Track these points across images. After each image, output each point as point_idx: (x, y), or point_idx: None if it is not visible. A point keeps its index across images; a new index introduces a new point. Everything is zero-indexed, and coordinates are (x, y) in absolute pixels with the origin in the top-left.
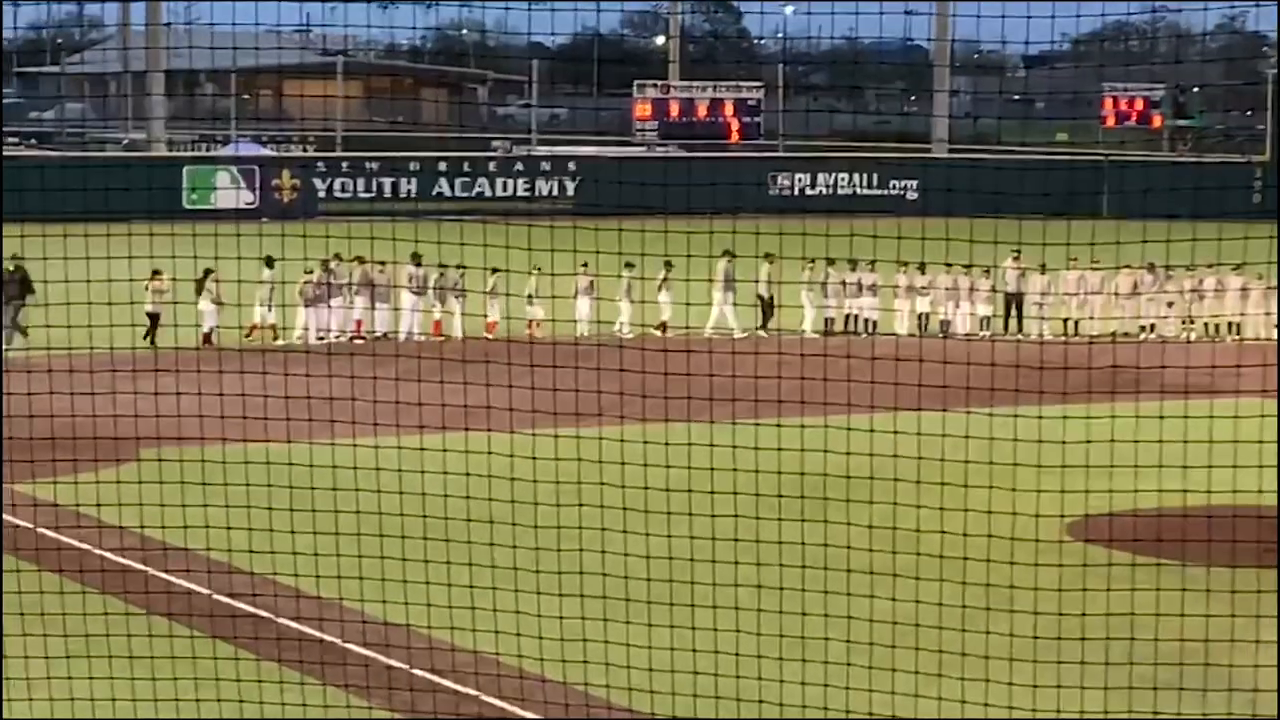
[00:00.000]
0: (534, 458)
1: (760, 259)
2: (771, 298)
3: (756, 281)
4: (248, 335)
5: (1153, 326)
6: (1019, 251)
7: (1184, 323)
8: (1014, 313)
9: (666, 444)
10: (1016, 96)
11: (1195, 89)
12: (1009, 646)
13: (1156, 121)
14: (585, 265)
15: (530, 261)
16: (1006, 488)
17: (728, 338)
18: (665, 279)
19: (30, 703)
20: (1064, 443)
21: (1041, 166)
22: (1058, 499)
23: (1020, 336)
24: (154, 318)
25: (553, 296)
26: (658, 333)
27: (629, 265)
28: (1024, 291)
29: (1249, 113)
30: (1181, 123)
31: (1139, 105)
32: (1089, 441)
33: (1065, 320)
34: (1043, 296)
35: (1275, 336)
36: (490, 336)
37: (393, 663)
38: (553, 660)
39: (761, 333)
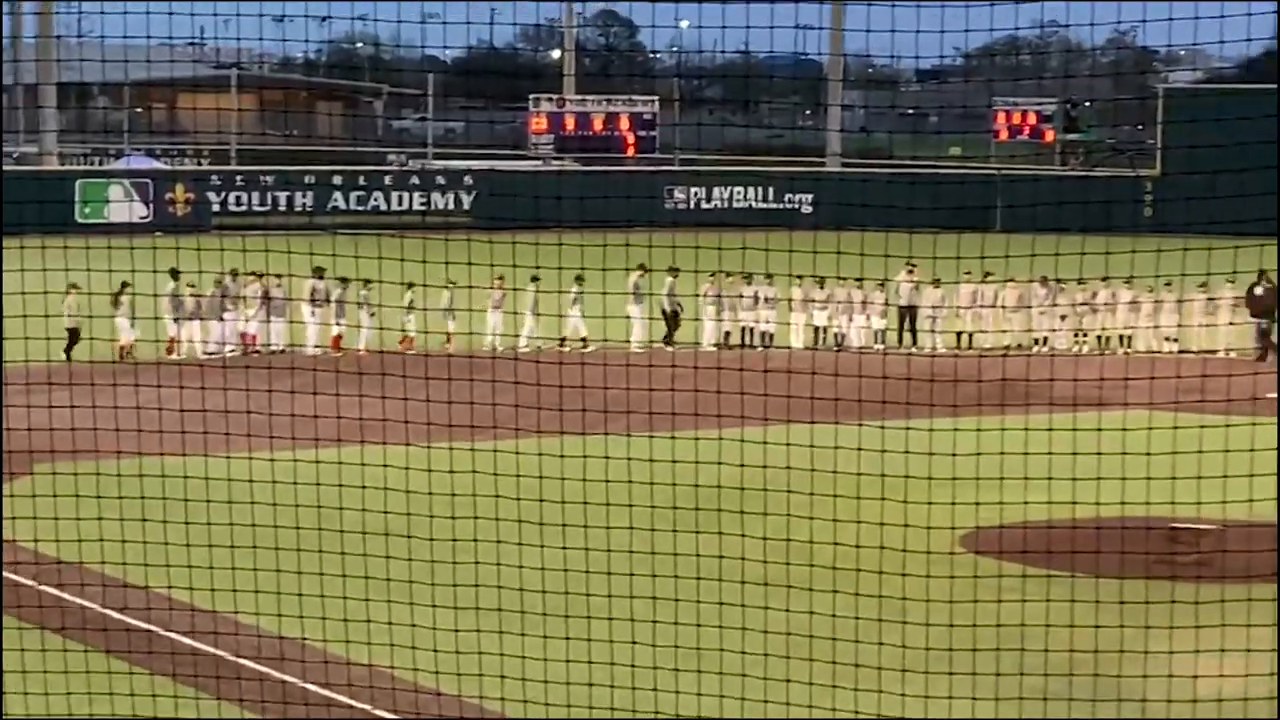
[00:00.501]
0: (429, 470)
1: (665, 273)
2: (675, 311)
3: (662, 295)
4: (169, 351)
5: (1045, 339)
6: (913, 265)
7: (1076, 336)
8: (908, 326)
9: (562, 456)
10: (910, 110)
11: (1086, 103)
12: (901, 657)
13: (1048, 136)
14: (501, 279)
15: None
16: (899, 500)
17: (645, 350)
18: (579, 293)
19: None
20: (955, 455)
21: (935, 180)
22: (949, 511)
23: (914, 350)
24: (73, 333)
25: (469, 310)
26: (578, 347)
27: (534, 279)
28: (918, 305)
29: (1139, 127)
30: (1073, 137)
31: (1031, 119)
32: (980, 454)
33: (958, 333)
34: (936, 310)
35: (1164, 349)
36: (409, 351)
37: (287, 678)
38: (448, 673)
39: (667, 347)
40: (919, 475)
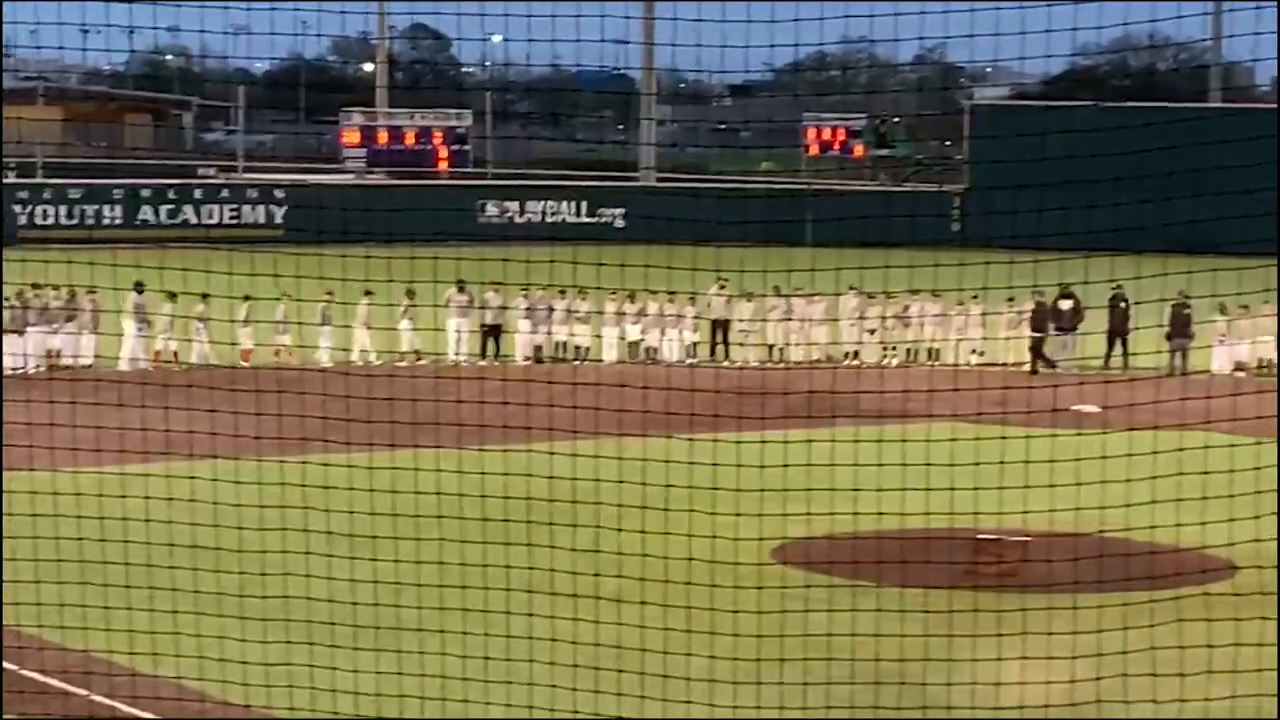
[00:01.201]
0: (238, 483)
1: (485, 287)
2: (498, 325)
3: (482, 309)
4: None
5: (855, 353)
6: (724, 279)
7: (885, 349)
8: (720, 339)
9: (371, 469)
10: (722, 125)
11: (895, 119)
12: (710, 668)
13: (858, 151)
14: (330, 293)
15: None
16: (709, 512)
17: (466, 364)
18: (409, 306)
19: None
20: (764, 467)
21: (746, 195)
22: (759, 523)
23: (727, 363)
24: None
25: (298, 323)
26: (413, 360)
27: (368, 293)
28: (730, 318)
29: (947, 143)
30: (882, 152)
31: (841, 135)
32: (788, 466)
33: (770, 346)
34: (748, 323)
35: (971, 362)
36: (246, 364)
37: (96, 697)
38: (257, 686)
39: (493, 361)
40: (728, 488)
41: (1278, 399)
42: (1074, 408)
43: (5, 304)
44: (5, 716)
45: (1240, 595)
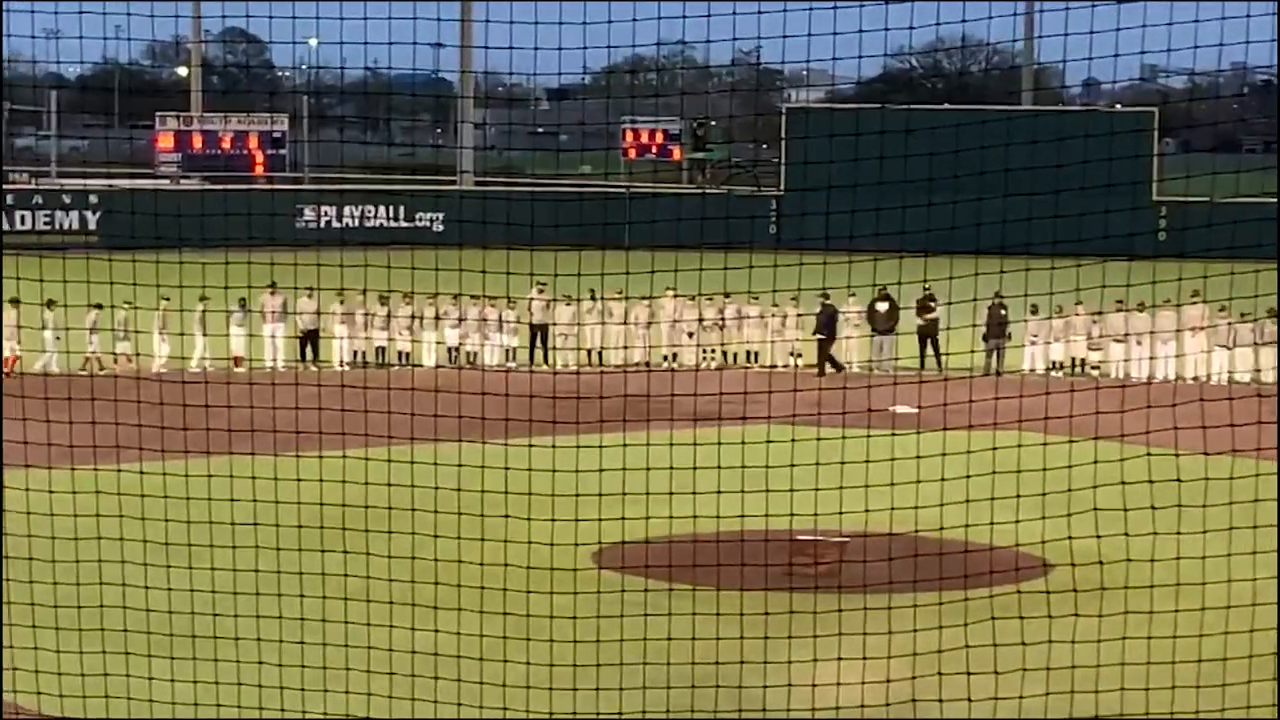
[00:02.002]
0: (50, 492)
1: (301, 292)
2: (315, 330)
3: (298, 314)
4: None
5: (675, 355)
6: (544, 283)
7: (704, 352)
8: (540, 344)
9: (186, 477)
10: (540, 129)
11: (713, 122)
12: (526, 675)
13: (676, 154)
14: (167, 299)
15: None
16: (525, 518)
17: (285, 370)
18: (244, 312)
19: None
20: (579, 472)
21: (566, 198)
22: (580, 527)
23: (546, 367)
24: None
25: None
26: (231, 366)
27: (203, 299)
28: (549, 322)
29: (764, 146)
30: (699, 155)
31: (659, 138)
32: (603, 470)
33: (589, 350)
34: (569, 327)
35: (791, 364)
36: (100, 372)
37: None
38: (73, 697)
39: (312, 366)
40: (546, 493)
41: (1277, 411)
42: (891, 408)
43: None
44: None
45: (1053, 593)
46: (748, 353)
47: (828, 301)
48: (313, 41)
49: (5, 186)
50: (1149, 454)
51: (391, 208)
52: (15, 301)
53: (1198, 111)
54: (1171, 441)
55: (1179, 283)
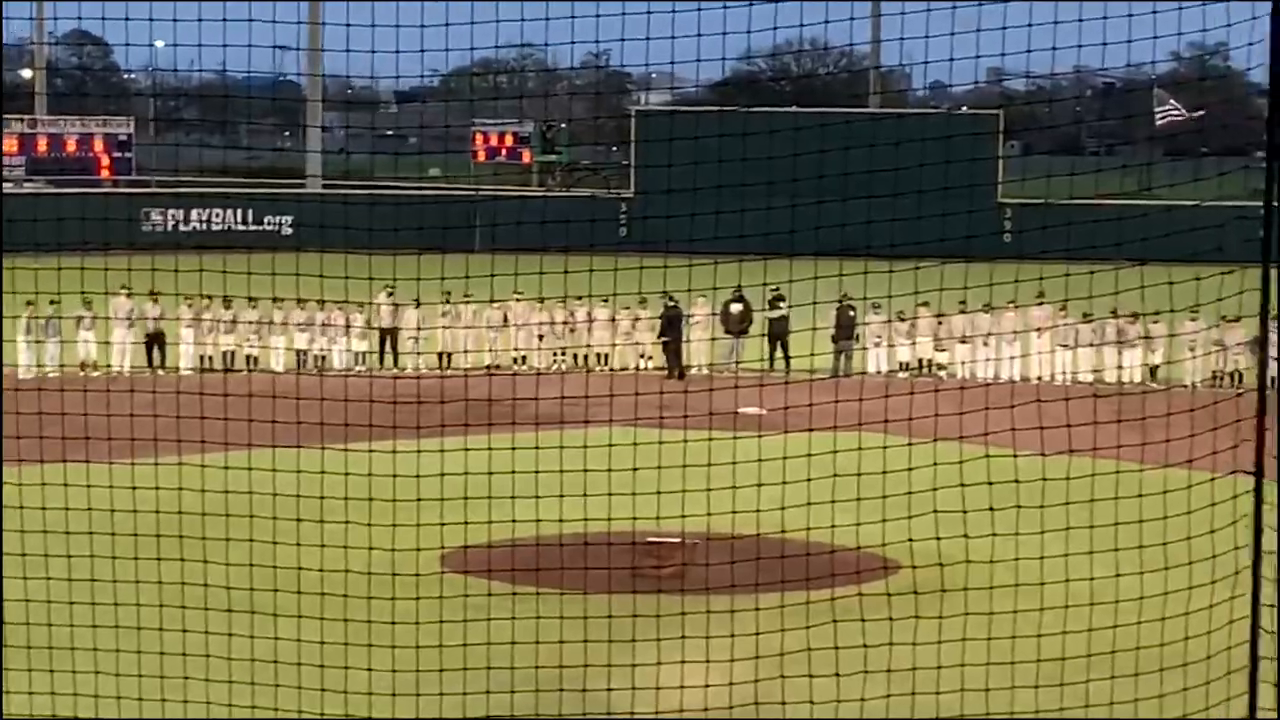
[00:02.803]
0: None
1: (146, 297)
2: (160, 334)
3: (144, 319)
4: None
5: (525, 358)
6: (393, 287)
7: (554, 354)
8: (390, 347)
9: (20, 485)
10: (389, 132)
11: (562, 125)
12: (368, 681)
13: (526, 157)
14: (31, 303)
15: None
16: (372, 524)
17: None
18: (91, 318)
19: None
20: (420, 476)
21: (415, 201)
22: (434, 532)
23: (396, 370)
24: None
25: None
26: (106, 370)
27: (53, 302)
28: (399, 326)
29: (614, 148)
30: (549, 158)
31: (509, 141)
32: (446, 474)
33: (439, 354)
34: (418, 331)
35: (642, 366)
36: None
37: None
38: None
39: (159, 371)
40: (404, 497)
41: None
42: (740, 410)
43: None
44: None
45: (894, 595)
46: (598, 355)
47: (672, 304)
48: (160, 43)
49: None
50: (988, 455)
51: (239, 211)
52: None
53: (1040, 114)
54: (1010, 442)
55: (1019, 284)
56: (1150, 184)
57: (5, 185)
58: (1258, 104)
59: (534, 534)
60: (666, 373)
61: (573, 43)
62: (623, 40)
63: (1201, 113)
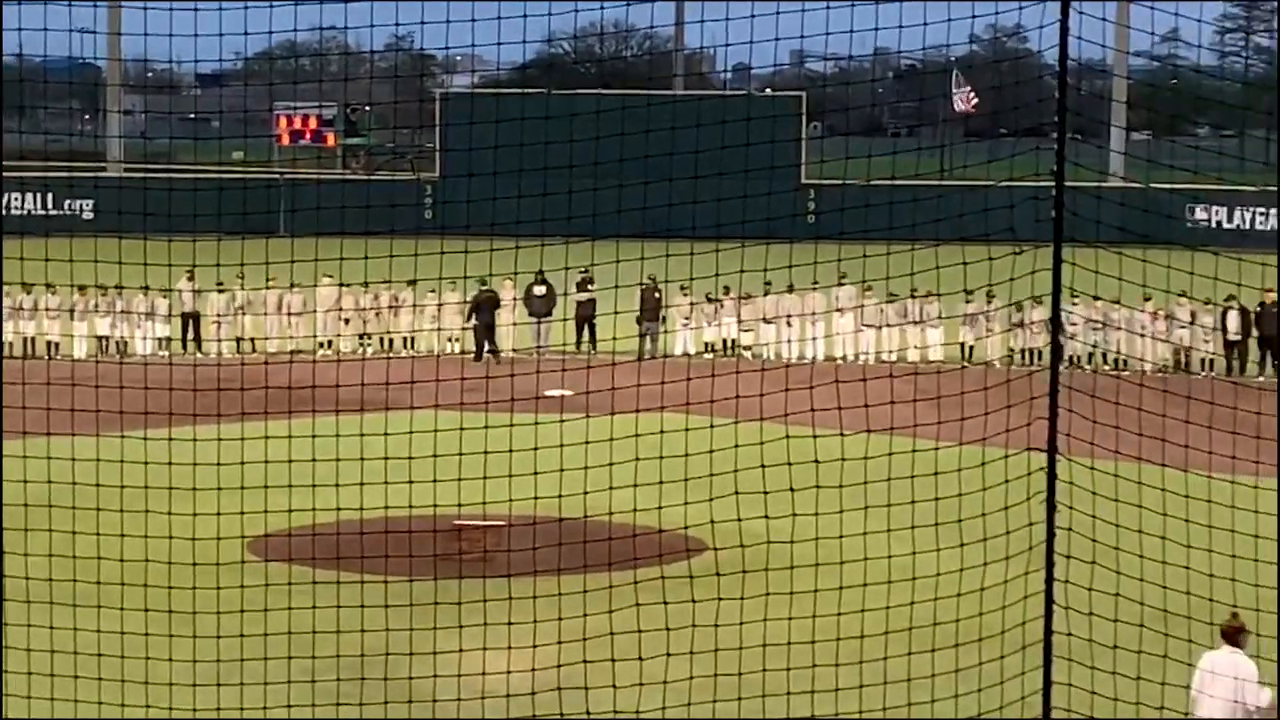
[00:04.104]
0: None
1: None
2: None
3: None
4: None
5: (331, 343)
6: (192, 271)
7: (361, 339)
8: (192, 333)
9: None
10: (191, 115)
11: (366, 108)
12: (193, 672)
13: (330, 140)
14: None
15: None
16: (185, 512)
17: None
18: None
19: None
20: (226, 462)
21: (218, 185)
22: (235, 519)
23: (199, 356)
24: None
25: None
26: None
27: None
28: (201, 312)
29: (420, 130)
30: (353, 141)
31: (312, 124)
32: (260, 461)
33: (240, 340)
34: (221, 316)
35: (448, 349)
36: None
37: None
38: None
39: None
40: (208, 485)
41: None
42: (548, 393)
43: None
44: None
45: (698, 576)
46: (404, 339)
47: (484, 288)
48: None
49: None
50: (788, 436)
51: (37, 195)
52: None
53: (844, 96)
54: (810, 422)
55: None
56: (949, 165)
57: None
58: (1051, 85)
59: (335, 520)
60: (474, 356)
61: (372, 26)
62: (422, 24)
63: (993, 93)
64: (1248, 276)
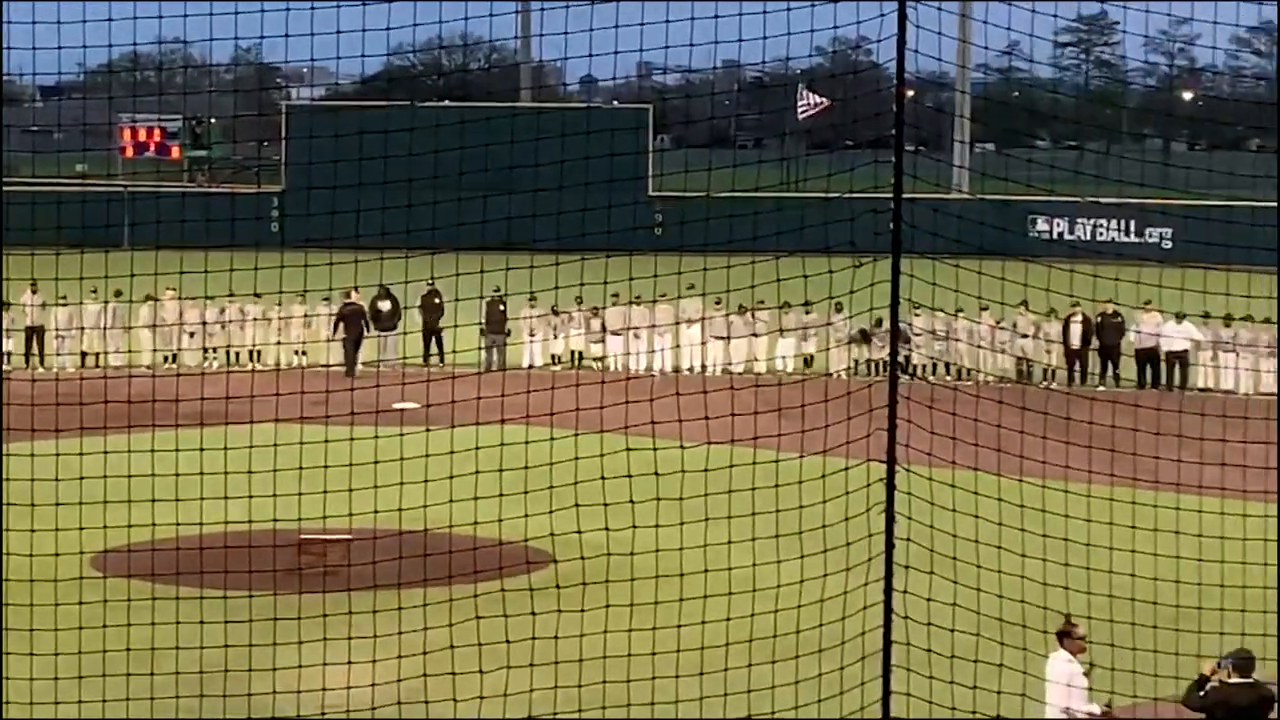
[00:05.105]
0: None
1: None
2: None
3: None
4: None
5: (174, 356)
6: (35, 284)
7: (205, 352)
8: (35, 348)
9: None
10: (34, 128)
11: (211, 120)
12: (30, 690)
13: (175, 152)
14: None
15: None
16: (22, 529)
17: None
18: None
19: None
20: (65, 478)
21: (59, 199)
22: (74, 536)
23: (41, 370)
24: None
25: None
26: None
27: None
28: (44, 325)
29: (265, 143)
30: (199, 153)
31: (156, 136)
32: (99, 476)
33: (83, 354)
34: (66, 330)
35: (295, 363)
36: None
37: None
38: None
39: None
40: (45, 501)
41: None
42: (395, 406)
43: None
44: None
45: (538, 589)
46: (250, 352)
47: (348, 300)
48: None
49: None
50: (629, 449)
51: None
52: None
53: (691, 108)
54: (650, 433)
55: (661, 278)
56: (792, 178)
57: None
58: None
59: (175, 535)
60: (345, 370)
61: (211, 40)
62: (262, 38)
63: (829, 103)
64: (1085, 289)
